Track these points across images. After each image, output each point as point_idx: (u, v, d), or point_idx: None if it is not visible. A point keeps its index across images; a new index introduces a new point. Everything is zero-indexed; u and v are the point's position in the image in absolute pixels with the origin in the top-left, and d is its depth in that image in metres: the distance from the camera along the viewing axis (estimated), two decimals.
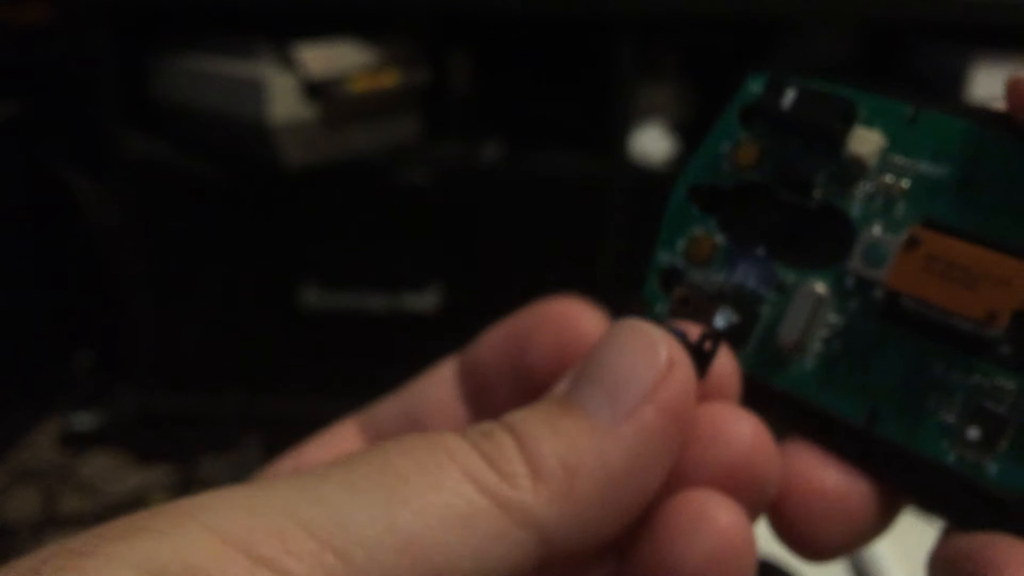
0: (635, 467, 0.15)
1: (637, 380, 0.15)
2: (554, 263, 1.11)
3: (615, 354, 0.16)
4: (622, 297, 0.20)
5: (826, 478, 0.17)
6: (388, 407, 0.24)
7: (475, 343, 0.20)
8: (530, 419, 0.15)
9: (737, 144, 0.19)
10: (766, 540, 0.18)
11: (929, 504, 0.17)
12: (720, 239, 0.19)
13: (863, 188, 0.18)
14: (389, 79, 1.04)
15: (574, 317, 0.19)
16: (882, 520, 0.18)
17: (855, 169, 0.18)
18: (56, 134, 1.20)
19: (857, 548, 0.18)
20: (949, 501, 0.16)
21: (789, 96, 0.19)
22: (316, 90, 0.99)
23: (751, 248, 0.19)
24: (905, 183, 0.17)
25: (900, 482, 0.17)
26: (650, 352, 0.16)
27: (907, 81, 1.14)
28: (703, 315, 0.18)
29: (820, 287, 0.18)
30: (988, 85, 0.99)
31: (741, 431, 0.16)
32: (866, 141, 0.18)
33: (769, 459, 0.17)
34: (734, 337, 0.19)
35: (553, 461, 0.14)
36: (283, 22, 1.03)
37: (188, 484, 1.11)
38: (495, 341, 0.21)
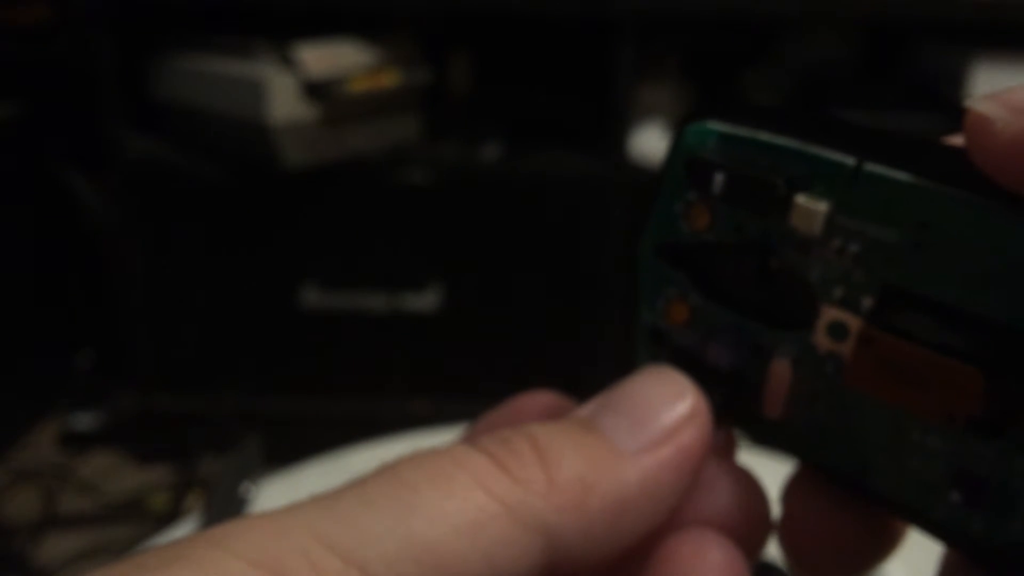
0: (647, 496, 0.16)
1: (662, 419, 0.17)
2: (554, 263, 1.11)
3: (645, 391, 0.17)
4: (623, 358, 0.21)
5: (830, 510, 0.18)
6: None
7: (469, 432, 0.20)
8: (552, 432, 0.16)
9: (688, 206, 0.19)
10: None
11: (931, 536, 0.17)
12: (694, 298, 0.19)
13: (817, 254, 0.17)
14: (389, 79, 1.04)
15: (544, 410, 0.20)
16: (886, 546, 0.18)
17: (802, 240, 0.17)
18: (56, 134, 1.20)
19: (865, 572, 0.19)
20: (947, 540, 0.17)
21: (718, 181, 0.18)
22: (316, 90, 0.99)
23: (720, 326, 0.19)
24: (855, 248, 0.16)
25: (900, 518, 0.18)
26: (678, 398, 0.17)
27: (907, 82, 1.14)
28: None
29: (787, 366, 0.18)
30: (989, 85, 0.99)
31: (738, 483, 0.18)
32: (807, 214, 0.17)
33: (761, 510, 0.18)
34: (727, 409, 0.19)
35: (571, 473, 0.15)
36: (283, 22, 1.03)
37: (188, 484, 1.11)
38: (481, 432, 0.21)
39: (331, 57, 1.00)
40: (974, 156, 0.15)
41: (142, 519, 1.08)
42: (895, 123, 1.03)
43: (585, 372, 1.07)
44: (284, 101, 0.98)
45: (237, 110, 1.01)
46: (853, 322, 0.17)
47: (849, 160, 0.16)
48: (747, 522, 0.18)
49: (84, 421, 1.21)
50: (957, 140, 0.16)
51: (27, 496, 1.12)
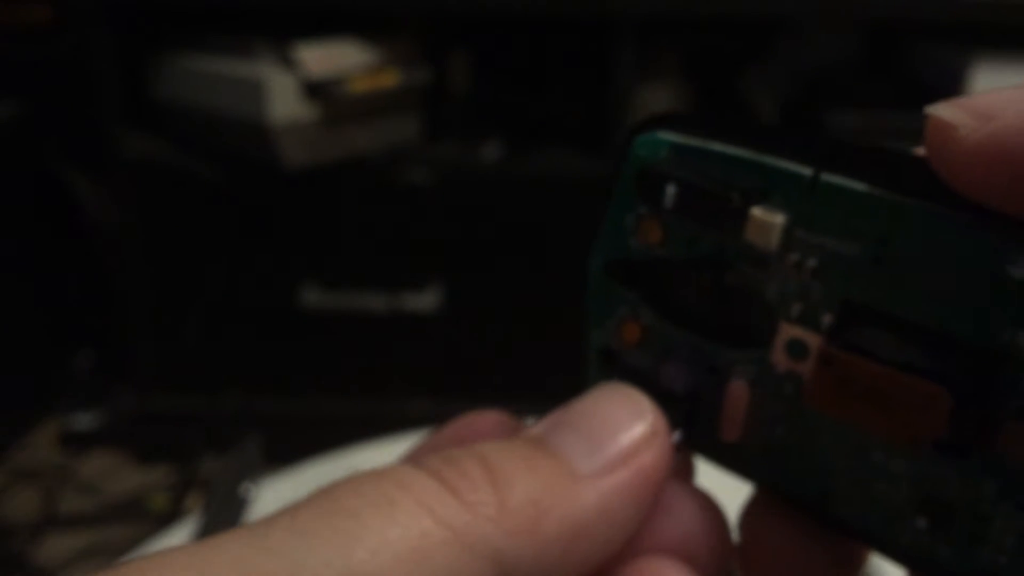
0: (604, 521, 0.15)
1: (620, 439, 0.16)
2: (554, 263, 1.11)
3: (602, 410, 0.16)
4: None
5: (790, 536, 0.17)
6: None
7: (412, 452, 0.19)
8: (504, 452, 0.15)
9: (639, 220, 0.18)
10: None
11: (896, 564, 0.17)
12: (647, 317, 0.18)
13: (773, 269, 0.16)
14: (389, 79, 1.04)
15: (491, 433, 0.18)
16: (849, 571, 0.18)
17: (758, 254, 0.16)
18: (56, 134, 1.20)
19: None
20: (913, 568, 0.16)
21: (670, 193, 0.17)
22: (316, 90, 0.99)
23: (674, 346, 0.18)
24: (813, 262, 0.16)
25: (863, 545, 0.17)
26: (637, 417, 0.16)
27: (907, 82, 1.14)
28: None
29: (744, 387, 0.17)
30: (988, 85, 0.99)
31: (697, 508, 0.17)
32: (762, 227, 0.16)
33: (721, 536, 0.17)
34: (685, 425, 0.18)
35: (524, 495, 0.14)
36: (283, 22, 1.03)
37: (188, 484, 1.11)
38: (425, 452, 0.20)
39: (331, 57, 1.00)
40: (936, 165, 0.14)
41: (142, 519, 1.08)
42: (894, 123, 1.03)
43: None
44: (284, 101, 0.98)
45: (237, 110, 1.01)
46: (813, 340, 0.16)
47: (806, 170, 0.16)
48: (707, 548, 0.17)
49: (84, 421, 1.21)
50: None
51: (27, 496, 1.12)
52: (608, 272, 0.19)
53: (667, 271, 0.18)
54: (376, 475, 0.14)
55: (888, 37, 1.19)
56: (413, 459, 0.16)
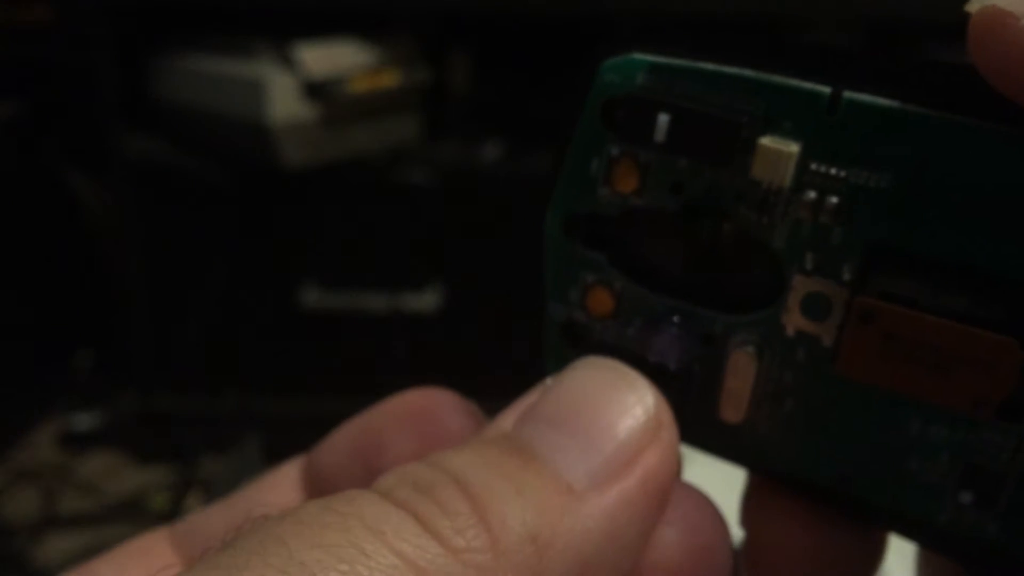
0: (613, 546, 0.12)
1: (618, 435, 0.12)
2: None
3: (590, 395, 0.13)
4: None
5: (804, 529, 0.15)
6: (211, 518, 0.18)
7: (322, 444, 0.16)
8: (483, 470, 0.12)
9: (610, 164, 0.15)
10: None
11: (931, 548, 0.15)
12: (620, 283, 0.15)
13: (783, 212, 0.13)
14: (389, 79, 1.04)
15: (436, 413, 0.16)
16: (873, 559, 0.16)
17: (765, 195, 0.13)
18: (56, 134, 1.20)
19: None
20: (953, 551, 0.14)
21: (662, 123, 0.14)
22: (316, 90, 0.99)
23: (656, 314, 0.15)
24: (834, 200, 0.13)
25: (887, 529, 0.15)
26: (634, 402, 0.13)
27: None
28: None
29: (750, 356, 0.14)
30: None
31: (692, 511, 0.14)
32: (773, 160, 0.13)
33: (721, 543, 0.14)
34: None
35: (519, 531, 0.11)
36: (283, 22, 1.03)
37: (188, 484, 1.11)
38: (345, 441, 0.17)
39: (331, 57, 1.00)
40: (985, 68, 0.11)
41: (142, 519, 1.08)
42: None
43: None
44: (284, 101, 0.98)
45: (237, 110, 1.00)
46: (837, 294, 0.13)
47: (823, 88, 0.13)
48: (713, 561, 0.13)
49: (84, 421, 1.21)
50: None
51: (27, 496, 1.12)
52: (568, 231, 0.16)
53: (645, 225, 0.15)
54: (334, 513, 0.11)
55: (890, 37, 1.19)
56: (342, 463, 0.12)
